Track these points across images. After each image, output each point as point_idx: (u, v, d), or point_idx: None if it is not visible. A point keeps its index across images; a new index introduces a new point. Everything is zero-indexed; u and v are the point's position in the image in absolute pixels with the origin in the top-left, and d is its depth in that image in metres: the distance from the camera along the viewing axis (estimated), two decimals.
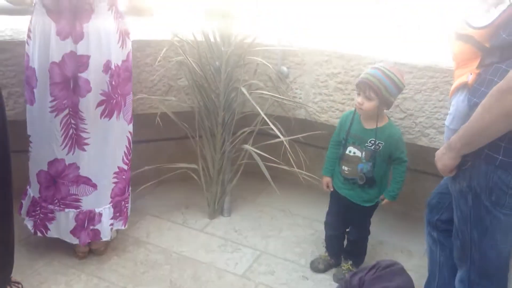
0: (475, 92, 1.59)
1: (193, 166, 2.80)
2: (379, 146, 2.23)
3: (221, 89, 2.62)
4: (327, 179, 2.42)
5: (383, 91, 2.12)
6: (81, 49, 1.96)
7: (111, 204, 2.28)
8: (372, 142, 2.23)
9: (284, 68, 2.73)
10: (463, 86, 1.76)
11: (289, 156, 2.41)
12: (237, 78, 2.67)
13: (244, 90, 2.51)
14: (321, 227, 2.54)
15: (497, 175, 1.49)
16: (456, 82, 1.84)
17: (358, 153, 2.26)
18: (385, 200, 2.32)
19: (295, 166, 2.47)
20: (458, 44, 1.84)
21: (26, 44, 2.04)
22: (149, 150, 2.96)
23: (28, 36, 2.02)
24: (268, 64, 2.58)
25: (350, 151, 2.28)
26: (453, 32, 1.88)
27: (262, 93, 2.66)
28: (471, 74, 1.70)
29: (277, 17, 2.67)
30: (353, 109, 2.36)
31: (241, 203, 3.06)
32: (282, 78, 2.75)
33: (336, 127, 2.43)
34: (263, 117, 2.45)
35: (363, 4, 2.93)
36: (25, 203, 2.30)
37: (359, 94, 2.18)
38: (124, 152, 2.28)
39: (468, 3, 1.84)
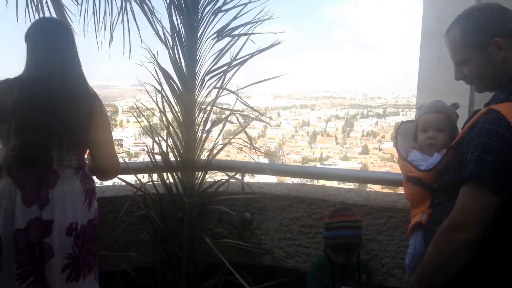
0: (429, 231, 1.64)
1: None
2: (363, 279, 2.26)
3: (184, 240, 2.57)
4: None
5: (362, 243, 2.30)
6: (45, 215, 1.93)
7: None
8: (357, 275, 2.25)
9: (248, 215, 2.76)
10: (418, 225, 1.82)
11: None
12: (201, 227, 2.65)
13: (208, 240, 2.49)
14: None
15: None
16: (412, 222, 1.90)
17: None
18: None
19: None
20: (409, 186, 1.94)
21: None
22: None
23: None
24: (231, 212, 2.61)
25: None
26: (403, 175, 1.99)
27: (227, 242, 2.63)
28: (424, 214, 1.76)
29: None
30: (320, 253, 2.38)
31: None
32: (246, 224, 2.76)
33: (308, 276, 2.37)
34: (228, 267, 2.39)
35: None
36: None
37: (338, 254, 2.25)
38: None
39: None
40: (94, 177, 2.17)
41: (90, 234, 2.09)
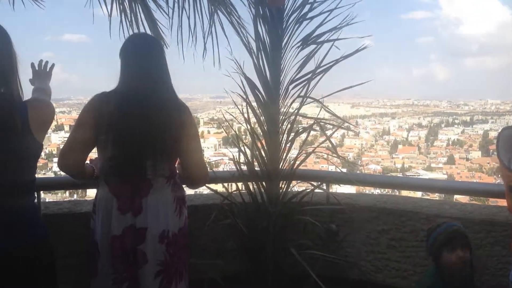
0: None
1: None
2: None
3: (269, 250, 2.56)
4: None
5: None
6: (139, 222, 2.00)
7: None
8: None
9: (333, 226, 2.69)
10: None
11: None
12: (286, 237, 2.63)
13: (293, 250, 2.46)
14: None
15: None
16: None
17: None
18: None
19: None
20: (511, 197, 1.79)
21: (91, 219, 2.11)
22: None
23: (93, 211, 2.11)
24: (316, 222, 2.56)
25: None
26: (505, 185, 1.84)
27: (312, 253, 2.58)
28: None
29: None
30: (426, 271, 2.23)
31: None
32: (332, 236, 2.69)
33: None
34: (314, 279, 2.34)
35: None
36: None
37: (454, 249, 2.01)
38: None
39: None
40: (184, 186, 2.23)
41: (181, 242, 2.13)
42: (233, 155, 2.50)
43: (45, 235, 1.79)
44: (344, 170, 3.65)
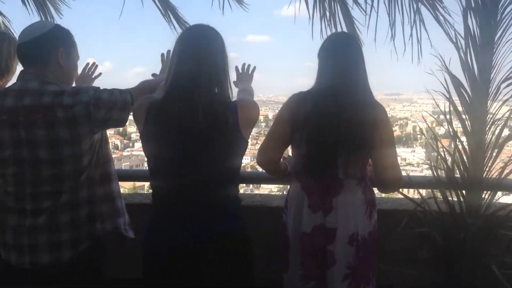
0: None
1: None
2: None
3: (465, 264, 2.33)
4: None
5: None
6: (329, 222, 2.00)
7: None
8: None
9: None
10: None
11: None
12: (486, 253, 2.36)
13: (494, 267, 2.19)
14: None
15: None
16: None
17: None
18: None
19: None
20: None
21: (284, 214, 2.19)
22: None
23: (285, 207, 2.18)
24: None
25: None
26: None
27: None
28: None
29: None
30: None
31: None
32: None
33: None
34: None
35: None
36: None
37: None
38: None
39: None
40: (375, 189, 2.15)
41: (371, 246, 2.07)
42: (429, 160, 2.33)
43: (245, 225, 1.90)
44: None
